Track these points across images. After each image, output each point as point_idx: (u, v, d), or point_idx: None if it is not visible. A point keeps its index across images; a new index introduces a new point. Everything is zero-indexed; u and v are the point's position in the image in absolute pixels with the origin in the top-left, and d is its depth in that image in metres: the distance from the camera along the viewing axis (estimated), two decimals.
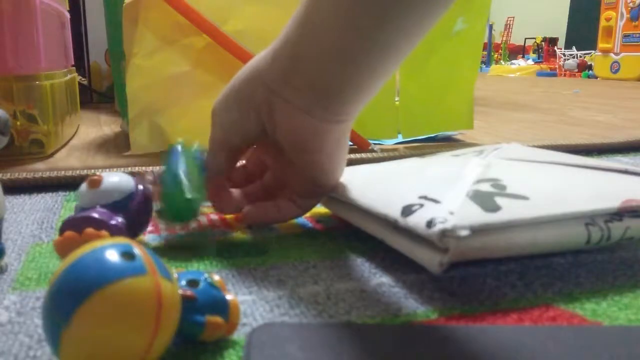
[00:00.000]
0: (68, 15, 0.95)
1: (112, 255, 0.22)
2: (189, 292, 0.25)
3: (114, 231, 0.35)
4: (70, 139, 0.87)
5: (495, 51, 5.42)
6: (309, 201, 0.42)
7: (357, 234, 0.39)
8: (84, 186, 0.38)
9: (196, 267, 0.36)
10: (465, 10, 0.76)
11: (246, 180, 0.45)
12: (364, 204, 0.37)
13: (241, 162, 0.45)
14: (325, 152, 0.39)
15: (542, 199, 0.34)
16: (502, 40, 5.64)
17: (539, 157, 0.46)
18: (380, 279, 0.34)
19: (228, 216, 0.46)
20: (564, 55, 4.03)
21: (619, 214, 0.34)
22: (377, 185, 0.39)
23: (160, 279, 0.22)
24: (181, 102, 0.69)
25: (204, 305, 0.25)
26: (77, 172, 0.58)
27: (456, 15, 0.76)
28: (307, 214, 0.46)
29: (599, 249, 0.38)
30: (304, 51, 0.35)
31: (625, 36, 3.12)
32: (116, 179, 0.38)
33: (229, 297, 0.27)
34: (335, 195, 0.41)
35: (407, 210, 0.33)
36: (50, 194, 0.55)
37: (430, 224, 0.31)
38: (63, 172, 0.58)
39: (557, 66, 4.02)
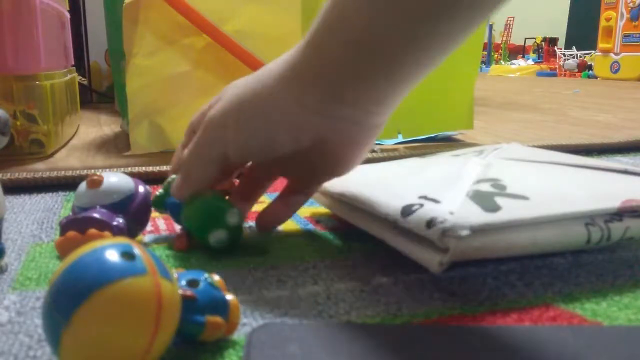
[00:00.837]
0: (68, 15, 0.95)
1: (112, 255, 0.22)
2: (189, 292, 0.25)
3: (116, 232, 0.35)
4: (70, 139, 0.87)
5: (495, 51, 5.43)
6: (316, 186, 0.41)
7: (357, 234, 0.39)
8: (82, 186, 0.38)
9: (196, 267, 0.36)
10: None
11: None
12: (364, 204, 0.37)
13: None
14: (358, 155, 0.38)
15: (542, 199, 0.34)
16: (502, 40, 5.65)
17: (539, 157, 0.46)
18: (380, 279, 0.34)
19: None
20: (564, 55, 4.03)
21: (619, 214, 0.34)
22: (377, 185, 0.39)
23: (160, 279, 0.22)
24: (181, 102, 0.69)
25: (204, 305, 0.25)
26: (77, 172, 0.58)
27: None
28: (307, 214, 0.46)
29: (599, 249, 0.38)
30: (357, 72, 0.33)
31: (625, 36, 3.13)
32: (116, 179, 0.38)
33: (229, 297, 0.27)
34: (335, 195, 0.41)
35: (407, 210, 0.33)
36: (50, 194, 0.55)
37: (430, 223, 0.31)
38: (63, 172, 0.58)
39: (557, 66, 4.03)
